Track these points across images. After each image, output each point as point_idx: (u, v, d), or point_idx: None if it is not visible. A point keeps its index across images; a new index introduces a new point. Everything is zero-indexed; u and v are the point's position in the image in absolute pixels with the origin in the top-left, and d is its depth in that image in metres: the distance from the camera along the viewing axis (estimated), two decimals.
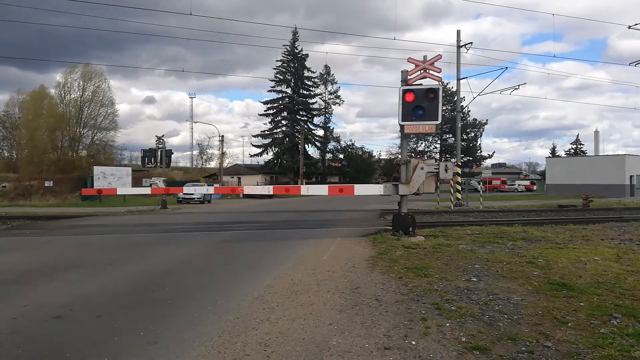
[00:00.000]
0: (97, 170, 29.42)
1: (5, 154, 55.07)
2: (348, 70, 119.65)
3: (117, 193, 20.85)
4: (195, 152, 73.17)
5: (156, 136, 35.05)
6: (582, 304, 4.82)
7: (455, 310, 4.65)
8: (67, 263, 7.75)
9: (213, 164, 67.88)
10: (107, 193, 22.04)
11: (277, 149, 62.96)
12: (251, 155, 67.94)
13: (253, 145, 65.28)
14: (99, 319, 4.54)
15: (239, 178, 62.30)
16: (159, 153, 32.33)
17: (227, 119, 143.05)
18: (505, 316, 4.46)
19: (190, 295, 5.50)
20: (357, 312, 4.68)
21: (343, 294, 5.45)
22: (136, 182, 30.50)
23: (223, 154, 53.17)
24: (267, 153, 64.46)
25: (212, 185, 30.23)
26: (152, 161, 31.71)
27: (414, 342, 3.80)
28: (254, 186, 26.02)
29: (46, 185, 32.82)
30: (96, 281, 6.33)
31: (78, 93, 49.98)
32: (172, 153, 35.65)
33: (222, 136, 51.03)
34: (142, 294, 5.61)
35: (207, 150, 68.74)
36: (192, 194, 29.39)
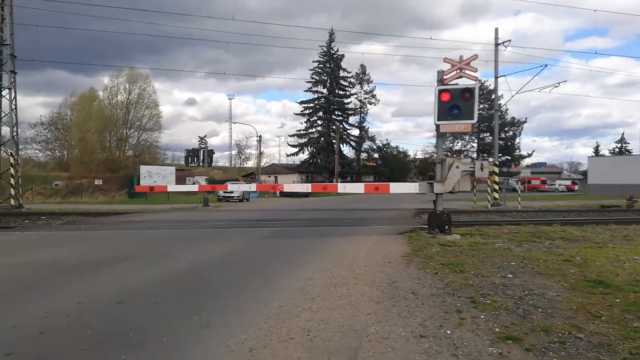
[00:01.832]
0: (144, 169, 30.75)
1: (57, 154, 58.11)
2: (384, 69, 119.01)
3: (168, 190, 21.83)
4: (233, 152, 74.82)
5: (199, 137, 36.67)
6: (617, 300, 4.89)
7: (489, 304, 4.82)
8: (122, 255, 8.35)
9: (251, 164, 69.35)
10: (158, 190, 23.11)
11: (312, 149, 63.51)
12: (287, 155, 68.91)
13: (289, 145, 66.14)
14: (156, 305, 4.98)
15: (276, 177, 63.24)
16: (202, 153, 33.54)
17: (265, 120, 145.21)
18: (540, 310, 4.60)
19: (236, 286, 5.89)
20: (394, 304, 4.92)
21: (380, 287, 5.70)
22: (179, 181, 31.68)
23: (261, 153, 54.22)
24: (303, 152, 65.15)
25: (254, 183, 31.01)
26: (195, 160, 33.02)
27: (448, 332, 4.01)
28: (293, 184, 26.46)
29: (96, 183, 34.55)
30: (150, 272, 6.84)
31: (124, 95, 52.32)
32: (214, 153, 37.10)
33: (260, 136, 52.28)
34: (192, 284, 6.05)
35: (245, 150, 70.31)
36: (232, 192, 30.29)
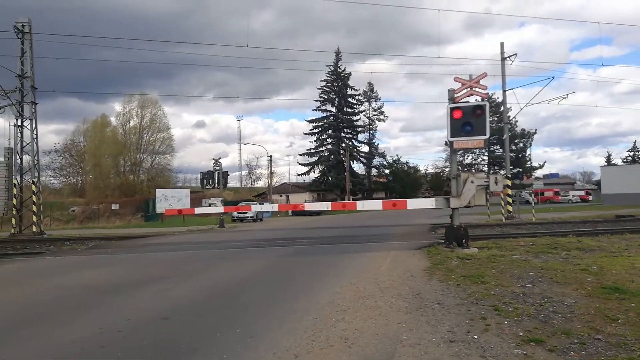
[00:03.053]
0: (159, 192, 31.40)
1: (72, 180, 59.30)
2: (391, 86, 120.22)
3: (195, 212, 22.46)
4: (244, 173, 75.74)
5: (213, 159, 37.44)
6: (633, 304, 5.16)
7: (512, 311, 5.13)
8: (154, 275, 8.75)
9: (261, 183, 70.01)
10: (186, 213, 23.73)
11: (323, 167, 64.11)
12: (298, 174, 69.60)
13: (299, 163, 66.92)
14: (200, 319, 5.36)
15: (287, 196, 63.75)
16: (216, 175, 34.24)
17: (273, 139, 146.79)
18: (559, 315, 4.90)
19: (270, 300, 6.25)
20: (422, 314, 5.24)
21: (406, 299, 6.02)
22: (194, 203, 32.29)
23: (272, 173, 54.84)
24: (313, 171, 65.81)
25: (276, 204, 31.59)
26: (210, 182, 33.71)
27: (476, 337, 4.33)
28: (313, 203, 26.96)
29: (113, 208, 35.26)
30: (184, 290, 7.23)
31: (137, 120, 53.58)
32: (228, 174, 37.70)
33: (271, 156, 52.78)
34: (227, 300, 6.43)
35: (255, 170, 71.14)
36: (246, 212, 30.80)
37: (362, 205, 13.49)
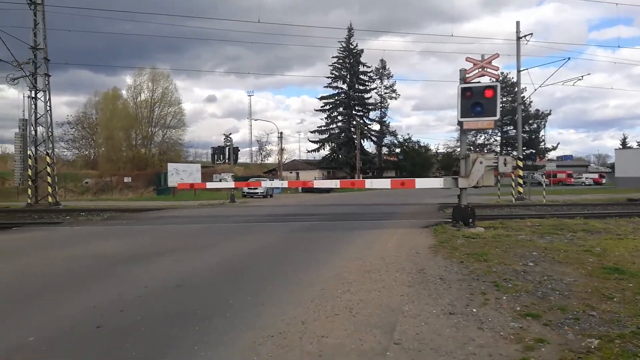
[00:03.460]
0: (171, 166, 31.79)
1: (85, 152, 60.06)
2: (404, 62, 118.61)
3: (207, 187, 22.90)
4: (254, 149, 76.04)
5: (224, 134, 37.60)
6: (630, 284, 5.32)
7: (511, 287, 5.31)
8: (168, 247, 9.07)
9: (271, 160, 70.34)
10: (198, 187, 24.19)
11: (333, 144, 64.14)
12: (308, 151, 69.65)
13: (310, 140, 67.02)
14: (212, 288, 5.64)
15: (297, 173, 64.04)
16: (227, 150, 34.47)
17: (284, 116, 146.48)
18: (557, 292, 5.08)
19: (279, 272, 6.52)
20: (424, 287, 5.45)
21: (410, 274, 6.24)
22: (205, 178, 32.70)
23: (282, 150, 55.06)
24: (323, 148, 65.86)
25: (286, 180, 31.92)
26: (221, 158, 33.93)
27: (474, 310, 4.54)
28: (323, 180, 27.17)
29: (125, 181, 35.86)
30: (197, 261, 7.53)
31: (148, 94, 53.76)
32: (239, 150, 37.97)
33: (281, 133, 52.94)
34: (238, 271, 6.70)
35: (266, 146, 71.38)
36: (257, 188, 31.20)
37: (371, 183, 13.65)
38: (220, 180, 29.52)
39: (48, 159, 26.48)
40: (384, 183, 13.19)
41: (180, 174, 31.89)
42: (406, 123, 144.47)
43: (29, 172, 25.80)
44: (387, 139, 69.34)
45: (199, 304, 4.91)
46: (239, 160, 79.27)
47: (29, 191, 26.08)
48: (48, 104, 26.78)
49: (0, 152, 59.37)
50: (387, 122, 69.70)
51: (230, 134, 37.11)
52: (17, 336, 4.01)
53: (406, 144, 68.23)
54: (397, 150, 68.78)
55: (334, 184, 12.52)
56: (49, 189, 26.04)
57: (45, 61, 26.38)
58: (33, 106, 26.19)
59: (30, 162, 25.83)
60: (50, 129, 27.23)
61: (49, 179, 26.00)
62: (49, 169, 26.18)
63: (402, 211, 18.45)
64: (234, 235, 11.10)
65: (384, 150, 69.79)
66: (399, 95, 71.70)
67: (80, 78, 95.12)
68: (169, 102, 53.93)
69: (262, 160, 73.20)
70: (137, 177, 38.71)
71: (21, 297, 5.38)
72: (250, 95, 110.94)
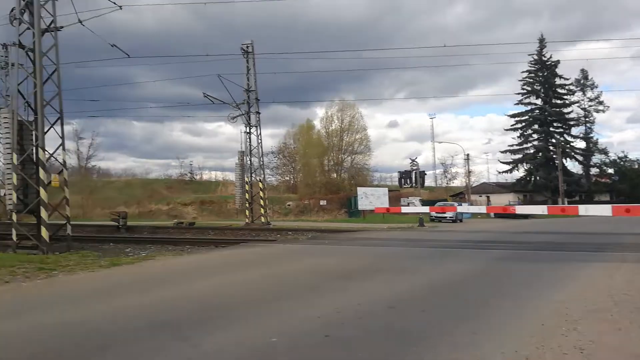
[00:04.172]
0: (360, 190, 33.61)
1: (286, 178, 67.57)
2: (610, 70, 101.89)
3: (402, 211, 23.86)
4: (438, 171, 74.74)
5: (410, 159, 38.12)
6: None
7: None
8: (372, 267, 9.62)
9: (457, 182, 68.02)
10: (394, 211, 25.28)
11: (528, 165, 58.75)
12: (499, 172, 65.21)
13: (500, 162, 62.65)
14: (424, 311, 5.77)
15: (488, 197, 60.38)
16: (413, 174, 34.82)
17: (469, 136, 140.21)
18: None
19: (488, 301, 6.29)
20: None
21: None
22: (391, 201, 33.51)
23: (469, 172, 52.83)
24: (517, 170, 60.84)
25: (484, 205, 30.94)
26: (408, 182, 34.37)
27: None
28: (526, 206, 25.31)
29: (321, 204, 39.14)
30: (403, 283, 7.81)
31: (337, 124, 58.02)
32: (425, 174, 37.75)
33: (468, 154, 50.92)
34: (446, 296, 6.72)
35: (450, 168, 69.43)
36: (445, 212, 30.64)
37: (585, 210, 12.06)
38: (408, 204, 29.87)
39: (261, 184, 30.76)
40: (602, 209, 11.56)
41: (368, 198, 33.39)
42: (618, 138, 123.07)
43: (247, 196, 30.36)
44: (596, 158, 60.43)
45: (413, 327, 5.08)
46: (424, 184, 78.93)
47: (246, 212, 30.63)
48: (259, 137, 31.25)
49: (222, 178, 70.76)
50: (594, 138, 60.92)
51: (415, 158, 37.50)
52: (262, 334, 4.79)
53: (621, 162, 58.32)
54: (610, 170, 59.22)
55: (540, 209, 11.53)
56: (262, 211, 30.12)
57: (256, 101, 30.96)
58: (248, 140, 30.91)
59: (247, 187, 30.41)
60: (261, 159, 31.66)
61: (262, 202, 30.11)
62: (261, 193, 30.37)
63: (625, 242, 15.77)
64: (432, 260, 11.11)
65: (593, 170, 60.86)
66: (608, 107, 61.93)
67: (279, 112, 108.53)
68: (356, 130, 57.30)
69: (447, 184, 71.41)
70: (331, 200, 41.86)
71: (261, 301, 6.39)
72: (432, 118, 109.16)
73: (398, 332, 4.87)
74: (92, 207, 45.41)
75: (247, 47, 29.80)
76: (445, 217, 32.79)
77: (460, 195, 59.94)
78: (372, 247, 14.34)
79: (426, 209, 26.07)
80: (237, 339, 4.66)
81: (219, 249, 14.43)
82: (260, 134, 31.32)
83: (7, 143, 13.65)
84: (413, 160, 37.20)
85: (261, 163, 31.72)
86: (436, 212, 31.50)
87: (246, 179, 30.53)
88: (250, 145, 30.95)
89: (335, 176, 58.18)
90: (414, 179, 36.10)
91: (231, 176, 49.04)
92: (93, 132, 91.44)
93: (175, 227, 28.22)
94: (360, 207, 34.29)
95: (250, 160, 31.10)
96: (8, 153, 13.72)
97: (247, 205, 30.48)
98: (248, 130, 30.77)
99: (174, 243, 16.70)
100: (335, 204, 41.08)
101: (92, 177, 57.90)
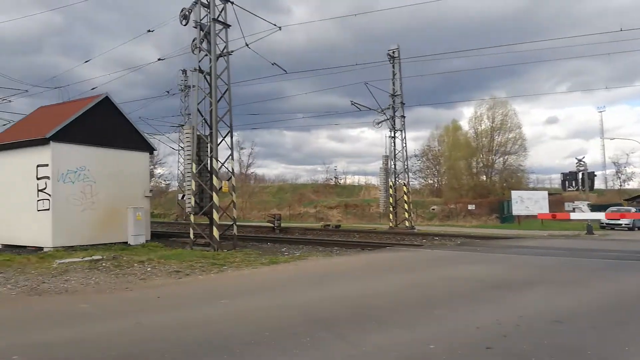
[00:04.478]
0: (515, 194, 31.04)
1: (430, 181, 65.87)
2: None
3: (571, 218, 22.23)
4: (608, 172, 64.94)
5: (576, 158, 33.47)
6: None
7: None
8: (532, 278, 8.90)
9: (633, 185, 58.48)
10: (561, 217, 23.56)
11: None
12: None
13: None
14: (597, 330, 5.18)
15: None
16: (580, 175, 30.88)
17: None
18: None
19: None
20: None
21: None
22: (551, 206, 30.21)
23: None
24: None
25: None
26: (573, 184, 30.51)
27: None
28: None
29: (469, 208, 37.29)
30: (570, 297, 7.11)
31: (488, 123, 54.57)
32: (595, 175, 32.94)
33: None
34: (623, 315, 5.94)
35: (625, 168, 59.94)
36: (619, 219, 26.72)
37: None
38: (574, 210, 26.60)
39: (405, 188, 30.57)
40: None
41: (524, 202, 30.69)
42: None
43: (390, 199, 30.44)
44: None
45: (586, 343, 4.63)
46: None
47: (390, 216, 30.71)
48: (404, 141, 31.11)
49: (364, 182, 71.95)
50: None
51: (582, 157, 32.67)
52: (418, 340, 4.79)
53: None
54: None
55: None
56: (406, 215, 29.89)
57: (402, 105, 30.89)
58: (392, 144, 30.99)
59: (391, 191, 30.49)
60: (406, 163, 31.48)
61: (406, 206, 29.88)
62: (405, 197, 30.16)
63: None
64: (603, 272, 9.82)
65: None
66: None
67: (421, 115, 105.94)
68: (509, 128, 53.15)
69: (620, 186, 61.80)
70: (480, 204, 39.51)
71: (413, 307, 6.41)
72: (600, 112, 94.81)
73: (570, 350, 4.45)
74: (250, 210, 50.38)
75: (393, 52, 30.09)
76: (620, 225, 28.44)
77: (637, 199, 51.38)
78: (531, 255, 13.16)
79: (599, 215, 23.06)
80: (394, 343, 4.76)
81: (365, 252, 14.75)
82: (404, 137, 31.23)
83: (188, 154, 15.95)
84: (579, 160, 32.77)
85: (405, 167, 31.56)
86: (609, 219, 27.51)
87: (390, 182, 30.68)
88: (395, 149, 31.06)
89: (484, 179, 54.85)
90: (580, 180, 31.86)
91: (373, 180, 49.62)
92: (252, 142, 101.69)
93: (323, 229, 29.64)
94: (514, 212, 31.74)
95: (395, 164, 31.18)
96: (188, 163, 16.00)
97: (391, 209, 30.57)
98: (393, 135, 30.92)
99: (323, 244, 17.58)
100: (484, 209, 38.64)
101: (250, 182, 64.08)
